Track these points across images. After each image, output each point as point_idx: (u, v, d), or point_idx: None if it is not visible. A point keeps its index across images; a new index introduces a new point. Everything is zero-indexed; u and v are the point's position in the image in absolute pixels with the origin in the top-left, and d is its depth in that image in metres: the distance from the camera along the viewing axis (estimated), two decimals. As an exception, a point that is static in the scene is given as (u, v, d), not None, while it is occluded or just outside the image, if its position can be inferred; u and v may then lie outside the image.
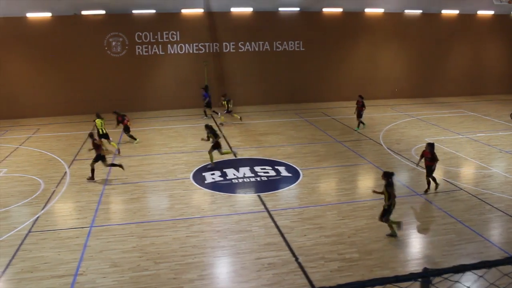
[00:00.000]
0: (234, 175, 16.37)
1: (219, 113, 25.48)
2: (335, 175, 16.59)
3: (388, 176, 11.37)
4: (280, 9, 28.80)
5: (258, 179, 15.99)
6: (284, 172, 16.68)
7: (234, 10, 28.25)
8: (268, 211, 13.27)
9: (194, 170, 17.00)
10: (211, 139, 17.28)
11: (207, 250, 11.15)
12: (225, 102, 24.50)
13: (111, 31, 27.44)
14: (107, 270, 10.37)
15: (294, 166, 17.30)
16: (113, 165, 16.83)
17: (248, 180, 15.88)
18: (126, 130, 21.15)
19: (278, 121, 25.09)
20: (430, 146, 14.36)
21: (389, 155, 18.77)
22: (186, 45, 28.44)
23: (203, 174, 16.56)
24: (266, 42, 29.36)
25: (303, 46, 29.82)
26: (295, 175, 16.38)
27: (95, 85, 27.64)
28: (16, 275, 10.35)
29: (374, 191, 12.12)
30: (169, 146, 20.30)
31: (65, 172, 17.34)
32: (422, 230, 12.27)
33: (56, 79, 27.38)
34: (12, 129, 24.53)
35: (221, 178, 16.06)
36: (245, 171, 16.74)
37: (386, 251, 10.99)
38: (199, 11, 27.90)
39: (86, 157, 18.96)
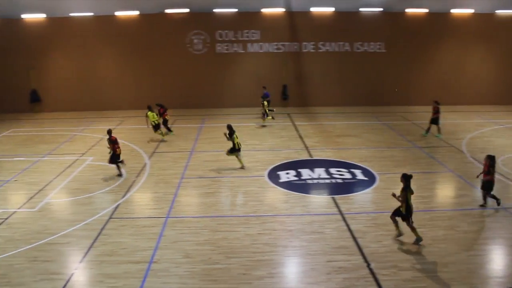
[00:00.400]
0: (309, 175, 16.25)
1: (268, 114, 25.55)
2: (412, 182, 15.93)
3: (406, 179, 11.21)
4: (361, 9, 28.21)
5: (333, 181, 15.77)
6: (359, 175, 16.33)
7: (314, 9, 28.05)
8: (342, 214, 13.05)
9: (269, 169, 17.07)
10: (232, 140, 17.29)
11: (278, 249, 11.16)
12: (265, 102, 24.55)
13: (193, 29, 28.26)
14: (180, 260, 10.67)
15: (370, 170, 16.88)
16: (118, 162, 16.87)
17: (323, 182, 15.71)
18: (165, 122, 22.31)
19: (356, 124, 24.61)
20: (489, 158, 13.29)
21: (471, 164, 17.78)
22: (266, 44, 28.65)
23: (278, 173, 16.59)
24: (346, 43, 28.90)
25: (384, 47, 29.03)
26: (371, 179, 15.98)
27: (177, 81, 28.58)
28: (97, 257, 10.94)
29: (393, 194, 11.62)
30: (246, 143, 20.51)
31: (145, 164, 18.05)
32: (506, 246, 11.50)
33: (140, 74, 28.65)
34: (98, 120, 25.93)
35: (296, 178, 16.01)
36: (320, 172, 16.58)
37: (464, 264, 10.41)
38: (280, 10, 28.00)
39: (166, 150, 19.70)
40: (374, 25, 28.72)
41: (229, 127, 17.32)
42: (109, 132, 17.01)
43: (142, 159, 18.61)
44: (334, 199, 14.13)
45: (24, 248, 11.58)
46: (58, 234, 12.26)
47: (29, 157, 19.40)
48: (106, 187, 15.62)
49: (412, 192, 11.35)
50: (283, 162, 17.67)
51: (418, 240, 11.34)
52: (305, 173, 16.50)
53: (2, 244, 11.82)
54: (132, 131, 23.58)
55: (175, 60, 28.48)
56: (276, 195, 14.72)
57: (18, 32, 28.49)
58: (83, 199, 14.67)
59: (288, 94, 28.96)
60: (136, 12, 27.83)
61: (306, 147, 19.77)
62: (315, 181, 15.75)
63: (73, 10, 27.83)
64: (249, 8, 27.82)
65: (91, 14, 27.87)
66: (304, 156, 18.55)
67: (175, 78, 28.60)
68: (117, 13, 27.80)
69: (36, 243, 11.80)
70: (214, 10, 27.92)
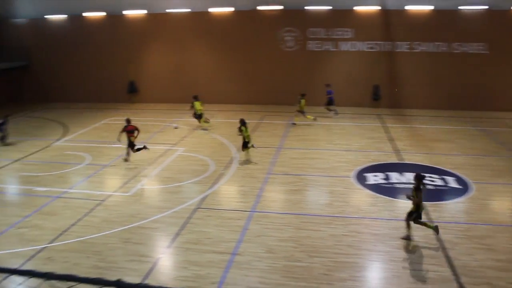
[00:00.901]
0: (398, 179, 15.72)
1: (333, 113, 25.56)
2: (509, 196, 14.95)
3: (418, 179, 11.23)
4: (461, 7, 26.60)
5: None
6: (452, 183, 15.53)
7: (410, 8, 26.97)
8: (431, 222, 12.49)
9: (357, 170, 16.73)
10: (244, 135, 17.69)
11: (362, 252, 10.92)
12: (302, 101, 23.79)
13: (285, 26, 28.36)
14: (263, 254, 10.76)
15: (464, 178, 15.98)
16: (139, 149, 17.96)
17: (412, 187, 15.07)
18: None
19: (451, 128, 23.38)
20: None
21: None
22: (358, 42, 28.06)
23: (365, 174, 16.21)
24: (444, 43, 27.49)
25: (488, 48, 27.25)
26: (464, 187, 15.12)
27: (267, 77, 28.87)
28: (184, 244, 11.35)
29: (407, 195, 11.59)
30: (334, 143, 20.27)
31: (233, 157, 18.42)
32: None
33: (232, 69, 29.31)
34: (190, 113, 26.75)
35: (384, 181, 15.56)
36: (410, 176, 15.92)
37: None
38: (374, 8, 27.29)
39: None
40: (476, 24, 27.01)
41: (241, 121, 17.75)
42: (128, 121, 18.19)
43: (230, 153, 19.00)
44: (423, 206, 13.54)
45: (118, 229, 12.28)
46: (149, 219, 12.87)
47: (125, 145, 20.46)
48: (195, 177, 16.15)
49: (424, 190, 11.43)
50: (371, 164, 17.25)
51: (407, 237, 11.45)
52: (394, 176, 15.98)
53: (99, 223, 12.64)
54: (222, 124, 24.16)
55: (266, 57, 28.79)
56: (362, 197, 14.40)
57: (120, 27, 30.35)
58: (173, 188, 15.28)
59: (380, 95, 28.20)
60: (231, 9, 28.48)
61: (396, 150, 19.15)
62: (404, 185, 15.18)
63: (170, 6, 29.08)
64: (342, 6, 27.40)
65: (188, 10, 28.93)
66: (394, 159, 17.97)
67: (266, 74, 28.90)
68: (211, 10, 28.60)
69: (129, 226, 12.47)
70: (306, 8, 27.82)
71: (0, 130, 21.24)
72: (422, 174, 11.58)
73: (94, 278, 3.20)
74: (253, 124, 23.76)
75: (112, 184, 15.96)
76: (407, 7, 27.00)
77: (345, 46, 28.16)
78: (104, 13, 30.44)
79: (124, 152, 18.31)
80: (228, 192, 15.02)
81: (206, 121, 23.56)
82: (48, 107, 30.59)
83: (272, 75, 28.88)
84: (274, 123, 24.09)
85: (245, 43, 28.88)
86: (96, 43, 30.98)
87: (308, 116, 23.83)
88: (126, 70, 30.72)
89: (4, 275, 3.52)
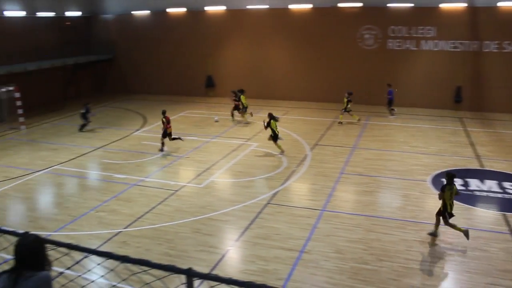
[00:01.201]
0: (478, 187, 14.92)
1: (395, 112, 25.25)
2: None
3: (449, 177, 11.10)
4: None
5: (506, 196, 14.25)
6: (539, 193, 14.51)
7: (502, 4, 25.34)
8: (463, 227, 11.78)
9: (434, 174, 16.07)
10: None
11: (434, 260, 10.50)
12: (346, 101, 23.27)
13: (365, 24, 27.72)
14: (331, 254, 10.65)
15: (554, 189, 14.88)
16: (174, 139, 19.08)
17: (493, 195, 14.30)
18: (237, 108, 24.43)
19: (540, 135, 21.84)
20: None
21: None
22: (442, 41, 26.85)
23: (443, 179, 15.51)
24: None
25: None
26: (553, 199, 14.09)
27: (344, 75, 28.39)
28: (252, 239, 11.48)
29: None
30: (411, 145, 19.60)
31: (306, 155, 18.33)
32: None
33: (309, 66, 29.13)
34: (265, 109, 26.93)
35: (462, 188, 14.80)
36: (491, 184, 15.10)
37: None
38: (461, 5, 25.96)
39: (327, 144, 19.76)
40: None
41: (270, 115, 18.26)
42: (163, 112, 19.16)
43: (304, 150, 18.92)
44: (505, 217, 12.77)
45: (189, 219, 12.64)
46: (219, 212, 13.12)
47: (200, 137, 21.06)
48: (267, 173, 16.25)
49: (456, 192, 11.24)
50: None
51: (433, 234, 11.41)
52: (473, 183, 15.19)
53: (172, 212, 13.07)
54: (296, 121, 24.12)
55: (345, 54, 28.32)
56: (438, 203, 13.76)
57: (200, 23, 31.16)
58: (244, 182, 15.47)
59: (462, 97, 26.87)
60: (309, 6, 28.29)
61: (477, 156, 18.19)
62: (484, 193, 14.40)
63: (250, 3, 29.38)
64: (427, 3, 26.32)
65: (266, 6, 29.08)
66: (474, 165, 17.09)
67: (343, 72, 28.44)
68: (291, 6, 28.56)
69: (200, 217, 12.79)
70: (388, 5, 27.01)
71: (84, 118, 22.58)
72: (453, 172, 11.35)
73: (166, 265, 3.30)
74: (328, 122, 23.57)
75: (185, 175, 16.43)
76: (499, 4, 25.41)
77: (427, 45, 27.07)
78: (184, 9, 31.34)
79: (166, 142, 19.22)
80: (300, 189, 14.98)
81: (251, 115, 24.14)
82: (128, 98, 32.01)
83: (349, 73, 28.35)
84: (349, 122, 23.66)
85: (322, 41, 28.58)
86: (177, 38, 32.02)
87: (354, 116, 23.62)
88: (205, 64, 31.49)
89: (84, 254, 3.72)
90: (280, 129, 22.07)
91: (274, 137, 18.23)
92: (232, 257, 10.82)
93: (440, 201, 11.30)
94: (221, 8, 30.32)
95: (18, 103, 23.63)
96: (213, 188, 15.04)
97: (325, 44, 28.57)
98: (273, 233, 11.74)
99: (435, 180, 15.47)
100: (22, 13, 28.65)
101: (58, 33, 31.70)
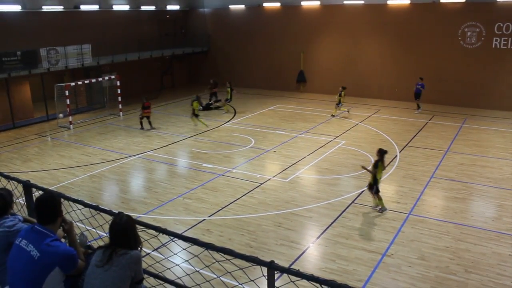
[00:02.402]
0: None
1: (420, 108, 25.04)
2: None
3: (381, 154, 12.64)
4: None
5: None
6: None
7: None
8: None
9: (534, 184, 14.93)
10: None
11: (530, 277, 9.77)
12: (339, 95, 23.95)
13: (468, 21, 26.11)
14: (414, 260, 10.29)
15: None
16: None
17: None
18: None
19: None
20: None
21: None
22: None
23: (545, 191, 14.38)
24: None
25: None
26: None
27: (441, 74, 27.03)
28: (334, 237, 11.39)
29: (362, 167, 13.21)
30: (510, 152, 18.31)
31: (396, 156, 17.78)
32: None
33: (404, 65, 28.05)
34: (356, 106, 26.55)
35: None
36: None
37: None
38: None
39: (418, 145, 19.05)
40: None
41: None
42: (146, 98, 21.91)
43: (394, 151, 18.34)
44: None
45: (272, 213, 12.79)
46: (303, 207, 13.14)
47: (288, 132, 21.16)
48: (354, 172, 15.99)
49: (383, 168, 12.80)
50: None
51: (382, 209, 12.76)
52: None
53: (256, 205, 13.30)
54: (387, 121, 23.43)
55: (442, 53, 26.91)
56: (538, 216, 12.83)
57: (294, 18, 31.19)
58: (330, 179, 15.35)
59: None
60: (407, 1, 27.20)
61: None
62: None
63: (347, -3, 28.90)
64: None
65: (362, 2, 28.41)
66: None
67: (440, 72, 27.08)
68: (389, 2, 27.67)
69: (283, 211, 12.90)
70: (498, 0, 25.15)
71: (216, 97, 27.07)
72: (385, 149, 12.74)
73: (249, 256, 3.39)
74: (421, 124, 22.64)
75: (271, 168, 16.61)
76: None
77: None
78: (279, 4, 31.50)
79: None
80: (387, 191, 14.54)
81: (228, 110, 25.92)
82: (220, 90, 32.73)
83: (447, 73, 26.94)
84: (443, 124, 22.58)
85: (420, 39, 27.33)
86: (270, 32, 32.29)
87: (342, 109, 24.30)
88: (297, 59, 31.51)
89: (170, 238, 3.92)
90: (370, 128, 21.65)
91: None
92: (313, 254, 10.80)
93: None
94: (316, 3, 30.11)
95: (118, 91, 25.31)
96: (298, 184, 15.08)
97: (422, 42, 27.34)
98: (356, 233, 11.56)
99: (537, 191, 14.36)
100: (126, 7, 30.54)
101: (157, 26, 33.42)
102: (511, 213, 12.78)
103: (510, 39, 25.27)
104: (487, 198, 13.94)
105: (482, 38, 25.92)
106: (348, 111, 24.67)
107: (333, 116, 24.21)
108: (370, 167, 13.11)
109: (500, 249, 10.84)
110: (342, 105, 24.26)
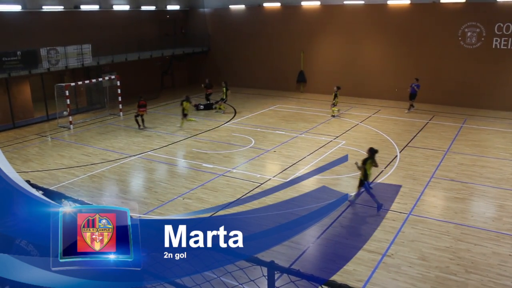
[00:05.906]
0: None
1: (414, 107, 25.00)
2: None
3: (372, 152, 12.54)
4: None
5: None
6: None
7: None
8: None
9: (534, 184, 14.93)
10: None
11: (530, 278, 9.77)
12: (334, 95, 23.82)
13: (468, 21, 26.10)
14: (414, 261, 10.29)
15: None
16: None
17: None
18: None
19: None
20: None
21: None
22: (557, 41, 24.68)
23: (545, 191, 14.38)
24: None
25: None
26: None
27: (441, 75, 27.03)
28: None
29: (356, 163, 12.74)
30: (511, 152, 18.31)
31: (396, 156, 17.77)
32: None
33: (404, 65, 28.03)
34: (356, 107, 26.54)
35: None
36: None
37: None
38: None
39: (419, 145, 19.05)
40: None
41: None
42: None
43: (394, 151, 18.35)
44: None
45: (272, 213, 12.74)
46: (303, 207, 13.10)
47: (288, 132, 21.16)
48: (353, 172, 15.95)
49: (375, 165, 12.71)
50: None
51: (352, 200, 12.93)
52: None
53: (256, 205, 13.26)
54: (387, 121, 23.43)
55: (442, 53, 26.90)
56: (538, 216, 12.83)
57: (294, 18, 31.23)
58: (329, 180, 15.34)
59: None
60: (407, 1, 27.21)
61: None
62: None
63: (347, -2, 28.92)
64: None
65: (362, 2, 28.42)
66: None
67: (439, 72, 27.08)
68: (390, 2, 27.66)
69: (283, 211, 12.86)
70: (499, 0, 25.11)
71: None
72: (376, 149, 12.72)
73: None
74: (421, 124, 22.65)
75: (271, 169, 16.61)
76: None
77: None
78: (279, 4, 31.52)
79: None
80: (387, 191, 14.55)
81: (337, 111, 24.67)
82: (220, 90, 32.78)
83: (446, 73, 26.95)
84: (443, 124, 22.58)
85: (420, 39, 27.32)
86: (270, 32, 32.31)
87: (333, 109, 24.30)
88: (297, 59, 31.53)
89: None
90: (370, 128, 21.67)
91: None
92: (312, 254, 10.79)
93: None
94: (316, 3, 30.11)
95: (119, 91, 25.33)
96: (298, 184, 15.06)
97: (422, 42, 27.32)
98: (356, 234, 11.57)
99: (537, 191, 14.36)
100: (126, 7, 30.57)
101: (158, 26, 33.45)
102: (511, 213, 12.78)
103: (510, 39, 25.26)
104: (487, 198, 13.94)
105: (482, 39, 25.92)
106: (338, 110, 24.61)
107: (333, 116, 24.20)
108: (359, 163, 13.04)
109: (500, 249, 10.83)
110: (334, 105, 24.18)
